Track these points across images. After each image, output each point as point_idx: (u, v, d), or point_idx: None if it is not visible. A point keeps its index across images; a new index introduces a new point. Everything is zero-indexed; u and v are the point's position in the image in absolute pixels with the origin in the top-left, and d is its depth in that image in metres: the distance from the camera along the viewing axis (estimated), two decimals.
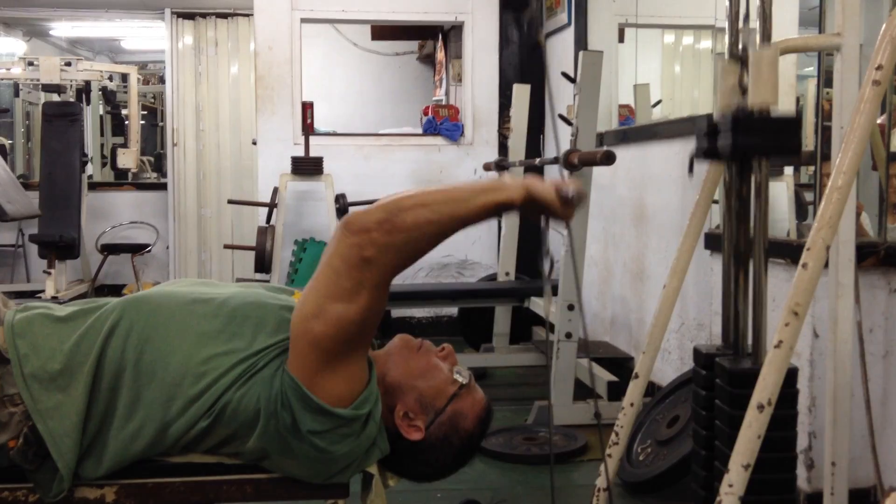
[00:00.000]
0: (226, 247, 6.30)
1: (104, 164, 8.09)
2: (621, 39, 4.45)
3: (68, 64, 6.50)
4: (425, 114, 5.70)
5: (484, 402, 1.57)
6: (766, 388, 1.50)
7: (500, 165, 4.73)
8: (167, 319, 1.48)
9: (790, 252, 2.35)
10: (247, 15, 6.81)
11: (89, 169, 6.81)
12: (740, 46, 1.74)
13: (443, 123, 5.53)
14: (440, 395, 1.52)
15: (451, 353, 1.59)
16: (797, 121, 1.57)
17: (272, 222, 5.08)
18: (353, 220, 1.35)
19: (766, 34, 1.68)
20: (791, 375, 1.62)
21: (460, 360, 1.60)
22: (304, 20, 5.37)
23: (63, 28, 7.97)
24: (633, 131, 4.07)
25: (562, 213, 1.38)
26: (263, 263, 4.97)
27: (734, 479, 1.49)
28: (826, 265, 1.62)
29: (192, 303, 1.51)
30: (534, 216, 1.40)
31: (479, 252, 5.53)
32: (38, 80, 6.49)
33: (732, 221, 1.85)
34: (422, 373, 1.54)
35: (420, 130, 5.70)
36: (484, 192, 1.37)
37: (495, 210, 1.38)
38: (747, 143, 1.60)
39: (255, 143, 5.55)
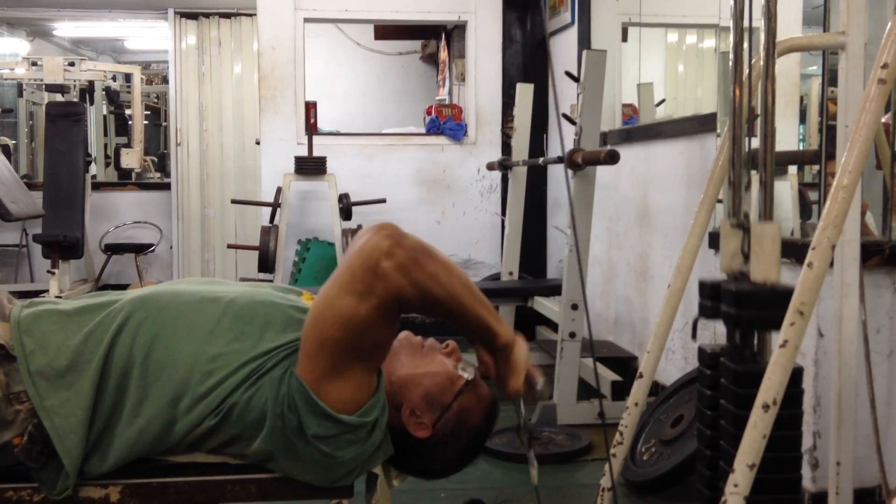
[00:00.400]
0: (229, 246, 6.31)
1: (108, 164, 8.10)
2: (625, 38, 4.45)
3: (72, 64, 6.51)
4: (428, 113, 5.69)
5: (490, 397, 1.57)
6: (771, 387, 1.50)
7: (504, 165, 4.73)
8: (176, 317, 1.48)
9: (795, 251, 2.35)
10: (250, 15, 6.81)
11: (93, 169, 6.83)
12: (742, 215, 1.74)
13: (446, 123, 5.53)
14: (446, 391, 1.52)
15: (455, 350, 1.59)
16: None
17: (275, 222, 5.08)
18: (390, 226, 1.37)
19: (772, 32, 1.68)
20: (796, 375, 1.61)
21: (464, 360, 1.60)
22: (307, 20, 5.37)
23: (66, 28, 7.98)
24: (637, 130, 4.06)
25: (512, 386, 1.47)
26: (267, 263, 4.98)
27: (739, 479, 1.48)
28: (831, 264, 1.61)
29: (201, 301, 1.51)
30: (499, 368, 1.47)
31: (482, 251, 5.53)
32: (41, 80, 6.51)
33: None
34: (427, 370, 1.54)
35: (423, 130, 5.69)
36: (490, 312, 1.45)
37: (485, 329, 1.44)
38: (749, 317, 1.66)
39: (258, 143, 5.55)
